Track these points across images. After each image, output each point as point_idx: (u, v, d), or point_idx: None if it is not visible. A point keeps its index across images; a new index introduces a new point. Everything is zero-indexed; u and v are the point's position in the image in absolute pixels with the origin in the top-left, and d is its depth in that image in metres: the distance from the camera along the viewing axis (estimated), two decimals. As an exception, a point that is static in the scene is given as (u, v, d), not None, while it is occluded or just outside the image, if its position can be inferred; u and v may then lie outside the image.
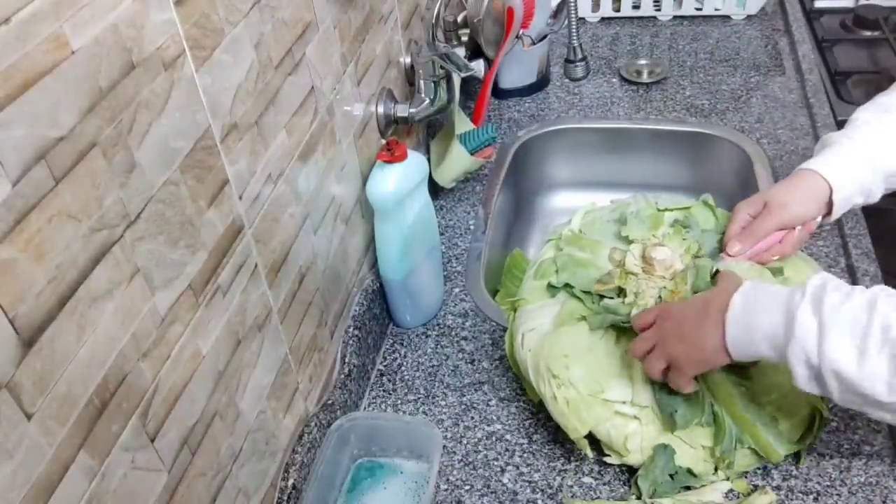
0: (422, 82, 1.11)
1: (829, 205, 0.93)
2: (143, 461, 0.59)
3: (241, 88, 0.71)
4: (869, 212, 1.13)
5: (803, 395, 0.83)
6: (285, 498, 0.82)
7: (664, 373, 0.81)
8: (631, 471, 0.88)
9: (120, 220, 0.55)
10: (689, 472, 0.84)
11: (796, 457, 0.87)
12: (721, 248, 0.94)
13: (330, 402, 0.93)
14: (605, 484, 0.89)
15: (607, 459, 0.88)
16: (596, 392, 0.85)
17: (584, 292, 0.92)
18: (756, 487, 0.86)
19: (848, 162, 0.93)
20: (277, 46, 0.77)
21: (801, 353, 0.70)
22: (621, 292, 0.91)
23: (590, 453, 0.87)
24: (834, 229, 1.14)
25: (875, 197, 0.96)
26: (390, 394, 1.02)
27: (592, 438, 0.87)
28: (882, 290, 0.70)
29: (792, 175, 0.96)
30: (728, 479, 0.85)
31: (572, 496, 0.88)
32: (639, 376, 0.85)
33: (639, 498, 0.85)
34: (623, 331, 0.88)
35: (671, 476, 0.84)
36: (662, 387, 0.83)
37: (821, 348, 0.68)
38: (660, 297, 0.88)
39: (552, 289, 0.96)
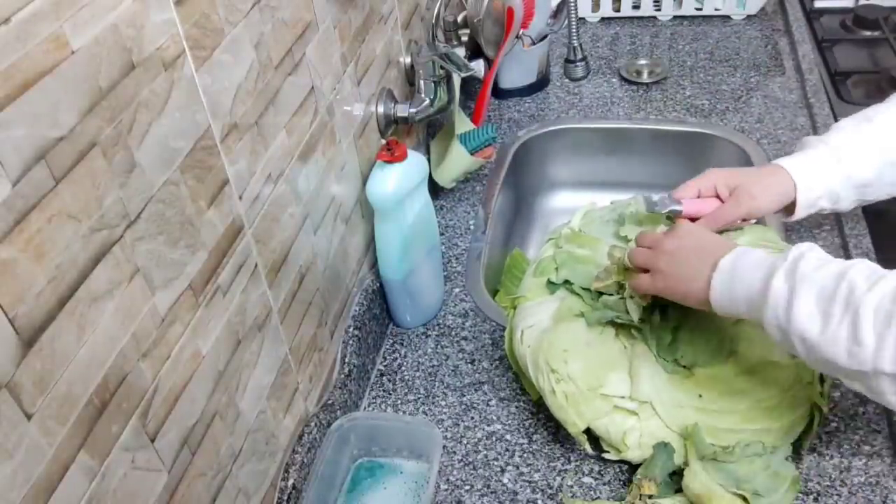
0: (422, 82, 1.11)
1: (793, 205, 0.96)
2: (143, 461, 0.59)
3: (241, 88, 0.71)
4: (869, 212, 1.13)
5: (802, 392, 0.84)
6: (285, 498, 0.82)
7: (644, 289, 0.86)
8: (631, 470, 0.88)
9: (120, 220, 0.55)
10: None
11: (796, 456, 0.87)
12: (673, 195, 0.96)
13: (330, 402, 0.93)
14: (605, 484, 0.89)
15: (606, 456, 0.88)
16: (594, 386, 0.85)
17: (584, 289, 0.93)
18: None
19: (818, 166, 0.95)
20: (277, 46, 0.77)
21: (773, 317, 0.72)
22: (620, 288, 0.91)
23: (589, 449, 0.87)
24: (834, 229, 1.15)
25: (844, 205, 0.98)
26: (390, 394, 1.02)
27: (591, 436, 0.87)
28: (860, 261, 0.71)
29: (766, 167, 0.98)
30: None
31: (572, 496, 0.88)
32: (637, 371, 0.85)
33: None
34: (622, 326, 0.89)
35: (670, 476, 0.84)
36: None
37: (789, 313, 0.70)
38: None
39: (552, 285, 0.96)
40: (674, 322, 0.88)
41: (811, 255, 0.73)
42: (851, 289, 0.67)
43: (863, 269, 0.69)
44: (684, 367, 0.85)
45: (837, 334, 0.67)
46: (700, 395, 0.84)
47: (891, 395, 0.67)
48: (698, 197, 0.96)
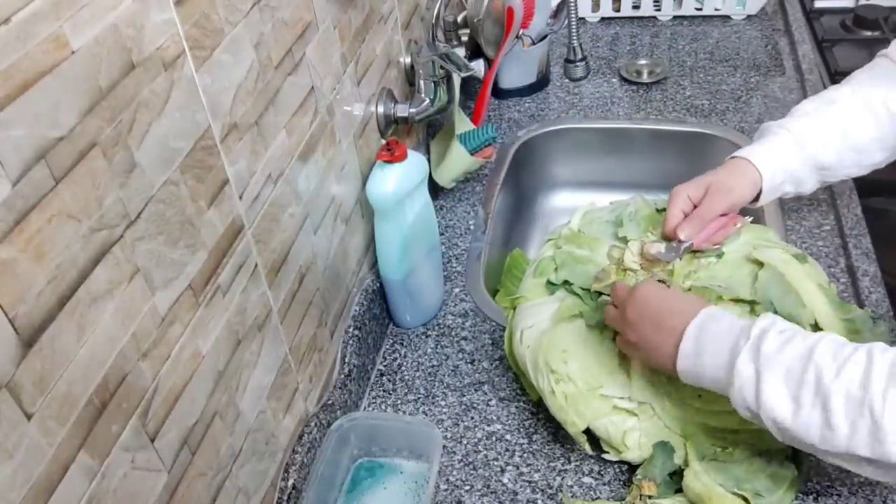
0: (422, 82, 1.11)
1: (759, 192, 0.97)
2: (143, 461, 0.59)
3: (241, 88, 0.71)
4: (869, 212, 1.13)
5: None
6: (285, 498, 0.82)
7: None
8: (631, 470, 0.88)
9: (120, 220, 0.55)
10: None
11: (796, 457, 0.87)
12: (663, 231, 0.94)
13: (330, 402, 0.93)
14: (605, 484, 0.89)
15: (606, 456, 0.88)
16: (594, 387, 0.85)
17: (583, 289, 0.93)
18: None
19: (779, 152, 0.97)
20: (277, 46, 0.77)
21: (741, 399, 0.71)
22: None
23: (588, 449, 0.87)
24: (834, 229, 1.14)
25: (807, 188, 1.00)
26: (390, 394, 1.02)
27: (591, 436, 0.87)
28: (824, 338, 0.69)
29: (729, 163, 0.99)
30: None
31: (572, 496, 0.88)
32: (637, 373, 0.85)
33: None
34: None
35: (670, 476, 0.84)
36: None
37: (758, 398, 0.70)
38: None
39: (551, 286, 0.96)
40: None
41: (773, 333, 0.71)
42: (819, 375, 0.67)
43: (828, 349, 0.68)
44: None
45: (810, 420, 0.67)
46: (699, 395, 0.83)
47: (869, 473, 0.68)
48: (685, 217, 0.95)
